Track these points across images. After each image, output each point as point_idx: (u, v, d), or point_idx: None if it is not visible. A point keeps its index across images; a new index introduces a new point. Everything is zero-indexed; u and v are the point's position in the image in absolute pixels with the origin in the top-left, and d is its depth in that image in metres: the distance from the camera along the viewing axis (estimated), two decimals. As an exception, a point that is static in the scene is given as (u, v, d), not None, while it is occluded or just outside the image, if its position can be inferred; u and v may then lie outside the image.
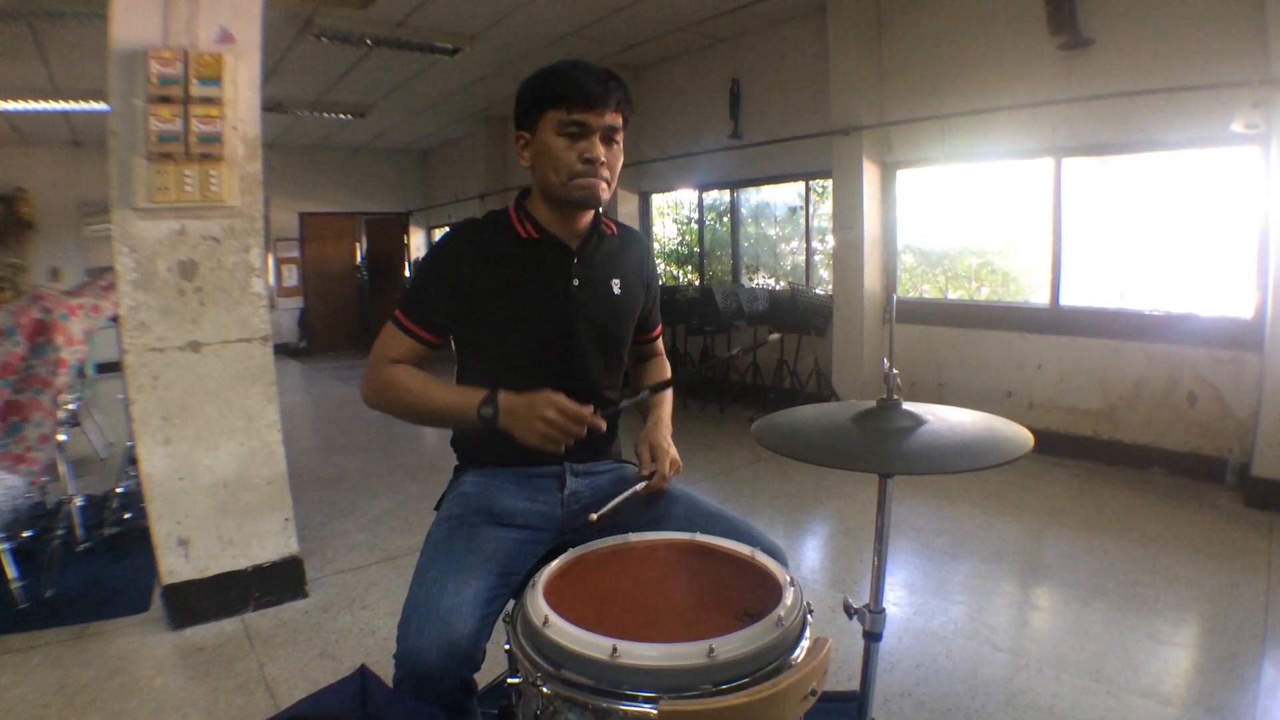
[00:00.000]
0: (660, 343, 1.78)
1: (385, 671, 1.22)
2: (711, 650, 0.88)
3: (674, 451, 1.48)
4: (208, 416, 2.57)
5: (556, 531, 1.46)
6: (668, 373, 1.73)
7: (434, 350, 1.45)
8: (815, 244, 6.31)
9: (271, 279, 10.64)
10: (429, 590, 1.24)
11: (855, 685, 1.34)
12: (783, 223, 6.96)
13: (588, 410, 1.26)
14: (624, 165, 1.47)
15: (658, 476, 1.42)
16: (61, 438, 3.01)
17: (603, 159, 1.37)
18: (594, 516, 1.28)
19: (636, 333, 1.67)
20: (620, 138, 1.41)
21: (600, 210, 1.49)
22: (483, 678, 2.08)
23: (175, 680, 2.25)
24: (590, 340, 1.44)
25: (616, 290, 1.51)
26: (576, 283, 1.45)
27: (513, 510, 1.42)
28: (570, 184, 1.37)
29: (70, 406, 3.10)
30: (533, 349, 1.42)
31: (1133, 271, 4.41)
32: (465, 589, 1.24)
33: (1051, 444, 4.40)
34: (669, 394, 1.64)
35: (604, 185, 1.39)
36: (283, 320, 10.91)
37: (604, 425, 1.28)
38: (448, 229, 1.53)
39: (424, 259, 1.52)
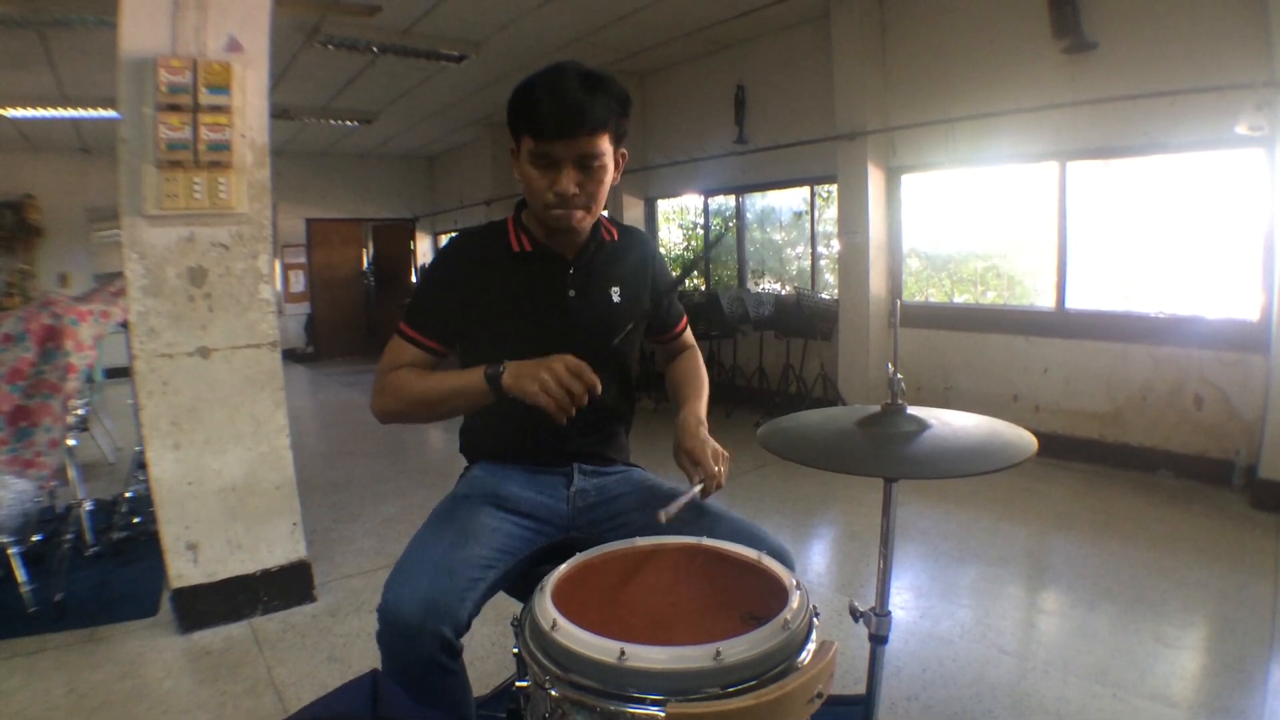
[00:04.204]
0: (688, 335, 1.72)
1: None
2: (718, 653, 0.88)
3: (713, 444, 1.38)
4: (216, 422, 2.58)
5: (560, 527, 1.47)
6: (700, 367, 1.66)
7: (438, 358, 1.45)
8: (820, 249, 6.32)
9: (279, 285, 10.68)
10: (421, 550, 1.26)
11: (861, 688, 1.35)
12: (788, 228, 6.96)
13: (594, 379, 1.21)
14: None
15: (712, 482, 1.33)
16: (71, 442, 3.02)
17: (574, 190, 1.31)
18: (663, 516, 1.19)
19: (655, 332, 1.66)
20: (604, 159, 1.33)
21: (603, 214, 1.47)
22: (490, 681, 2.11)
23: (184, 684, 2.26)
24: (590, 352, 1.43)
25: (616, 298, 1.49)
26: (573, 294, 1.44)
27: (518, 498, 1.44)
28: (546, 214, 1.35)
29: (79, 411, 3.11)
30: None
31: (1138, 274, 4.40)
32: (457, 551, 1.25)
33: (1058, 447, 4.40)
34: (696, 384, 1.60)
35: (579, 215, 1.35)
36: (290, 326, 10.96)
37: (599, 387, 1.22)
38: (449, 239, 1.53)
39: (426, 270, 1.53)
